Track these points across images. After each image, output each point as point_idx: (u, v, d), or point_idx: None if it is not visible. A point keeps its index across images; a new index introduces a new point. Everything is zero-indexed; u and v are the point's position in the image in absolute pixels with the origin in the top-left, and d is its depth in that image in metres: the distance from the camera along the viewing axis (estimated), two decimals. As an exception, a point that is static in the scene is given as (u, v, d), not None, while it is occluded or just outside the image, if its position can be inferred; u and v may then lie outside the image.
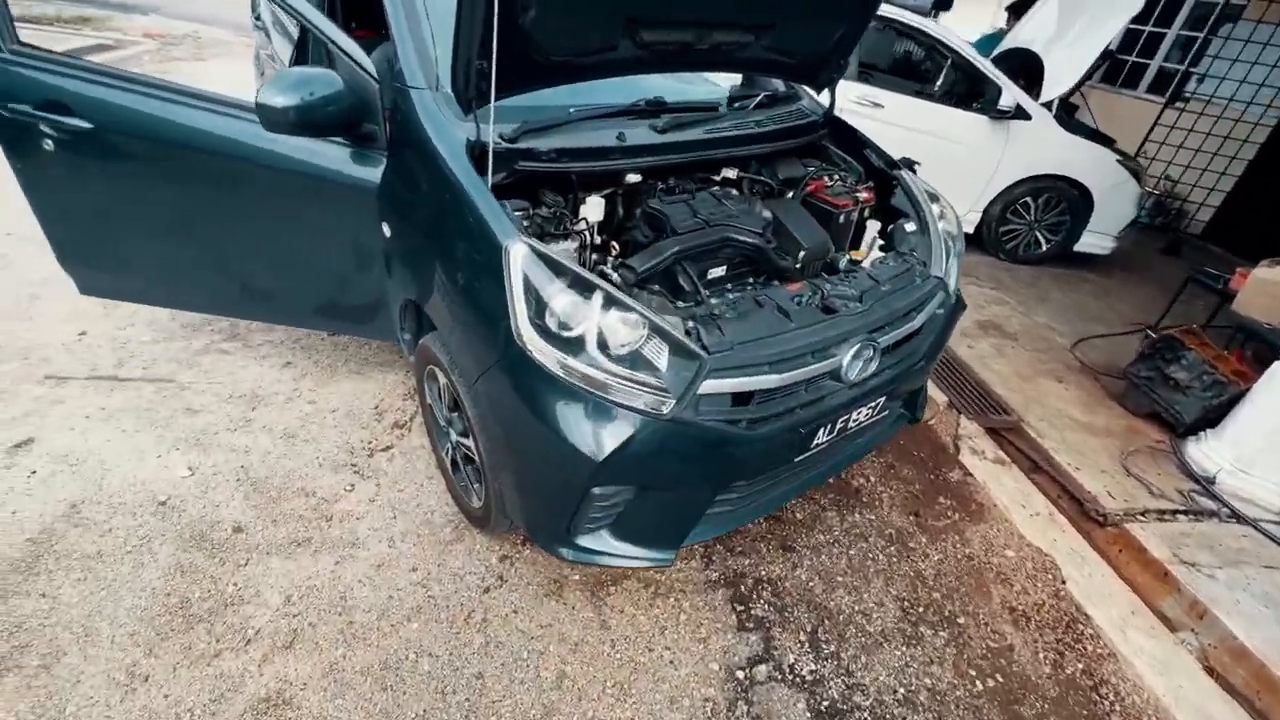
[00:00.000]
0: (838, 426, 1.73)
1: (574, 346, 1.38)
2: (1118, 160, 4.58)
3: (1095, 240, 4.83)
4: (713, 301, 1.76)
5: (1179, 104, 6.00)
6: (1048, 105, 4.51)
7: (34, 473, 2.03)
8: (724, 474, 1.59)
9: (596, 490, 1.45)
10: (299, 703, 1.55)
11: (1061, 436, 3.03)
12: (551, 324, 1.37)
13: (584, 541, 1.57)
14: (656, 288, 1.73)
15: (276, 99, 1.60)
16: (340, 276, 2.14)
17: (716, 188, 2.01)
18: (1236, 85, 5.80)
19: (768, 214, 1.90)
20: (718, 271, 1.79)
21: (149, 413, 2.32)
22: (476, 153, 1.61)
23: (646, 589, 1.96)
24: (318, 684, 1.59)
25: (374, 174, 1.86)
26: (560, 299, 1.37)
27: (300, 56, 2.51)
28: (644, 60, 1.76)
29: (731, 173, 2.08)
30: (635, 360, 1.41)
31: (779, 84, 2.47)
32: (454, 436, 1.93)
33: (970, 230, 4.90)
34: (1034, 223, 4.82)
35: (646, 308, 1.52)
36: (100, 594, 1.72)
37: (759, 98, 2.24)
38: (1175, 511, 2.66)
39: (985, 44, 5.91)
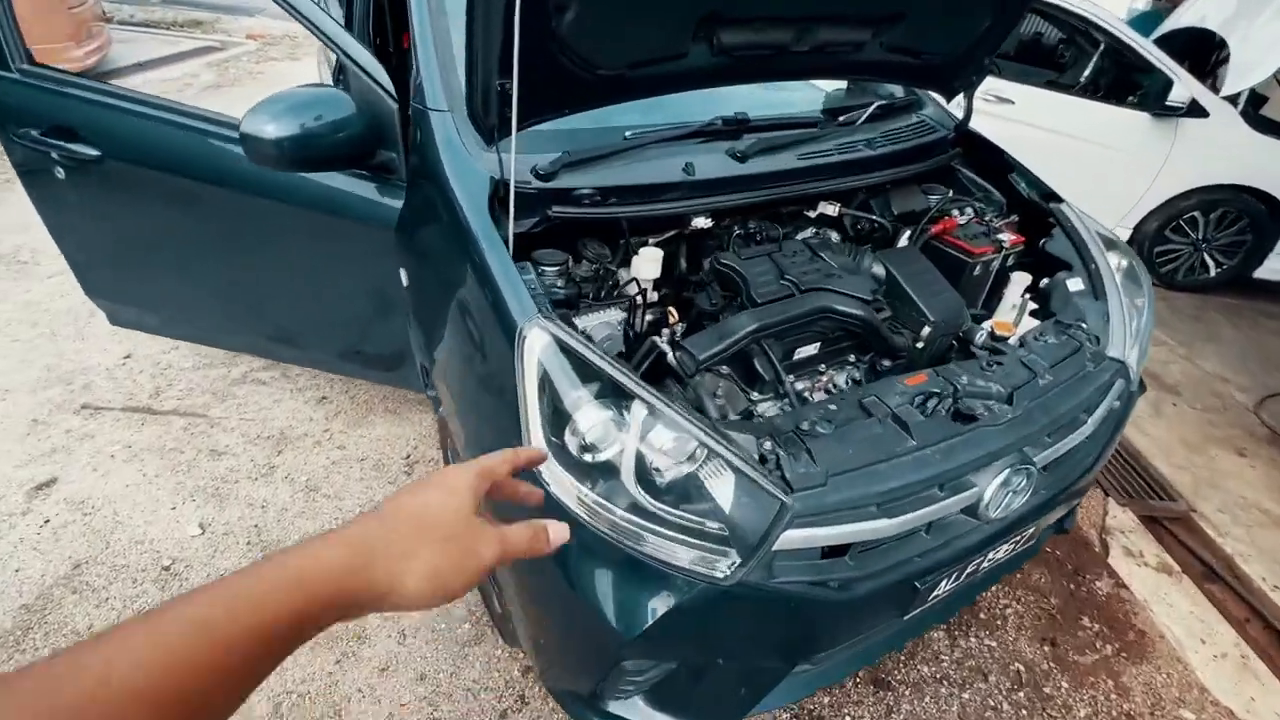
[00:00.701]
0: (967, 571, 1.26)
1: (602, 474, 1.01)
2: (1326, 168, 3.65)
3: (1285, 266, 3.91)
4: (798, 388, 1.33)
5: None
6: (1232, 99, 3.65)
7: (47, 521, 1.91)
8: (804, 646, 1.17)
9: (628, 665, 1.08)
10: None
11: (1249, 536, 2.35)
12: (572, 444, 1.00)
13: (615, 709, 1.20)
14: (725, 370, 1.32)
15: (266, 128, 1.32)
16: (361, 320, 1.88)
17: (811, 233, 1.56)
18: None
19: (879, 269, 1.44)
20: (808, 350, 1.35)
21: (174, 453, 2.17)
22: (501, 194, 1.26)
23: (697, 730, 1.57)
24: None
25: (390, 209, 1.56)
26: (587, 414, 0.99)
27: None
28: (722, 70, 1.34)
29: (831, 208, 1.62)
30: (685, 493, 1.02)
31: (895, 89, 1.97)
32: (474, 524, 1.61)
33: (1115, 249, 4.10)
34: (1201, 242, 3.96)
35: (708, 417, 1.13)
36: (81, 683, 1.54)
37: (871, 108, 1.76)
38: None
39: (1140, 25, 4.97)
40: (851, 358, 1.43)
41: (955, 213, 1.71)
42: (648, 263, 1.36)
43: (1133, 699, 1.77)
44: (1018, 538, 1.31)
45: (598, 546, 1.00)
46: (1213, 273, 4.04)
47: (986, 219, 1.70)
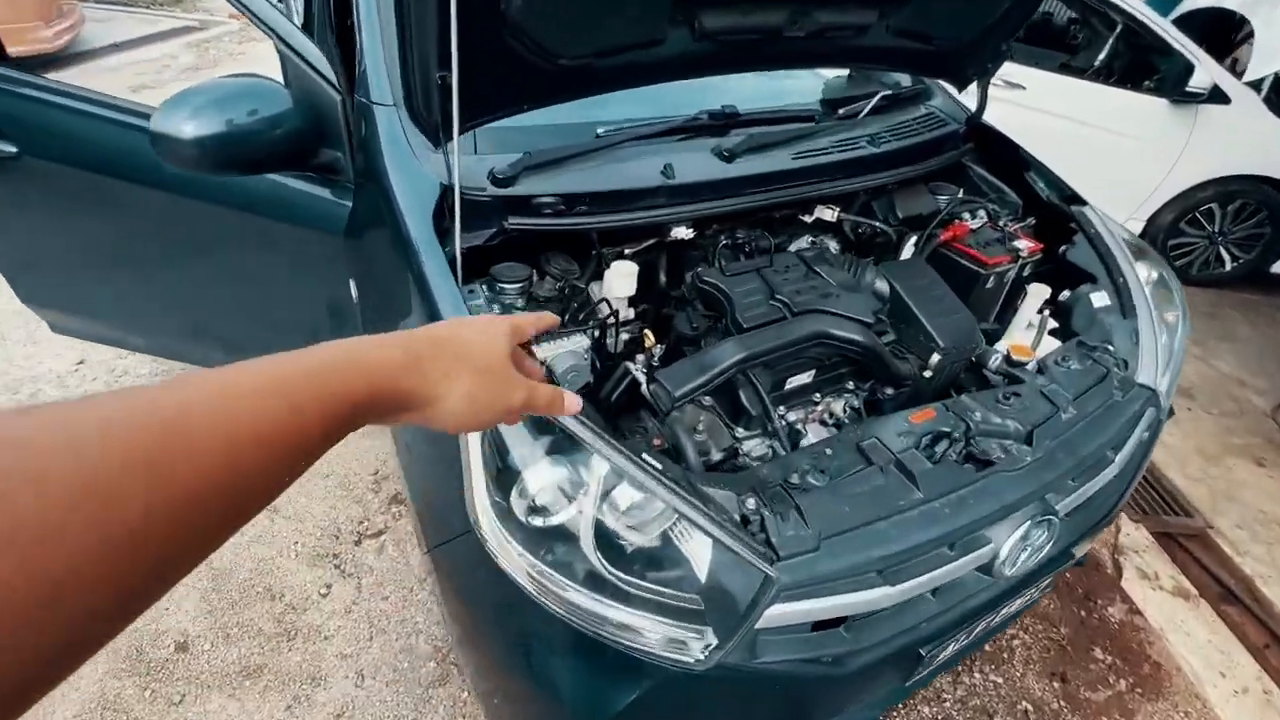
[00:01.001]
0: (976, 630, 1.12)
1: (555, 541, 0.86)
2: (1352, 158, 3.47)
3: (1303, 260, 3.74)
4: (790, 419, 1.19)
5: None
6: (1255, 85, 3.46)
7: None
8: (794, 723, 1.03)
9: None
10: None
11: (1269, 554, 2.22)
12: (520, 507, 0.85)
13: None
14: (708, 401, 1.17)
15: (184, 126, 1.15)
16: (319, 333, 1.72)
17: (806, 243, 1.40)
18: None
19: (883, 285, 1.28)
20: (801, 379, 1.20)
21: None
22: (450, 204, 1.10)
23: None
24: None
25: (340, 211, 1.40)
26: (538, 473, 0.84)
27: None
28: (705, 58, 1.17)
29: (830, 214, 1.46)
30: (654, 557, 0.88)
31: (902, 77, 1.79)
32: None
33: (1127, 243, 3.94)
34: (1218, 235, 3.78)
35: (685, 459, 0.98)
36: (5, 736, 1.41)
37: (874, 99, 1.59)
38: None
39: (1157, 4, 4.74)
40: (850, 385, 1.28)
41: (966, 216, 1.55)
42: (621, 278, 1.20)
43: (1148, 741, 1.65)
44: (1033, 589, 1.18)
45: (553, 627, 0.86)
46: (1228, 267, 3.87)
47: (1001, 223, 1.54)
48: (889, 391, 1.26)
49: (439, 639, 1.67)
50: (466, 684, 1.56)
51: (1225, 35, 4.16)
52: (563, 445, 0.86)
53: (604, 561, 0.85)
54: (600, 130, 1.27)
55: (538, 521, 0.85)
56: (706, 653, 0.85)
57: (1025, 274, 1.50)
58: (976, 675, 1.73)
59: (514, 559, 0.85)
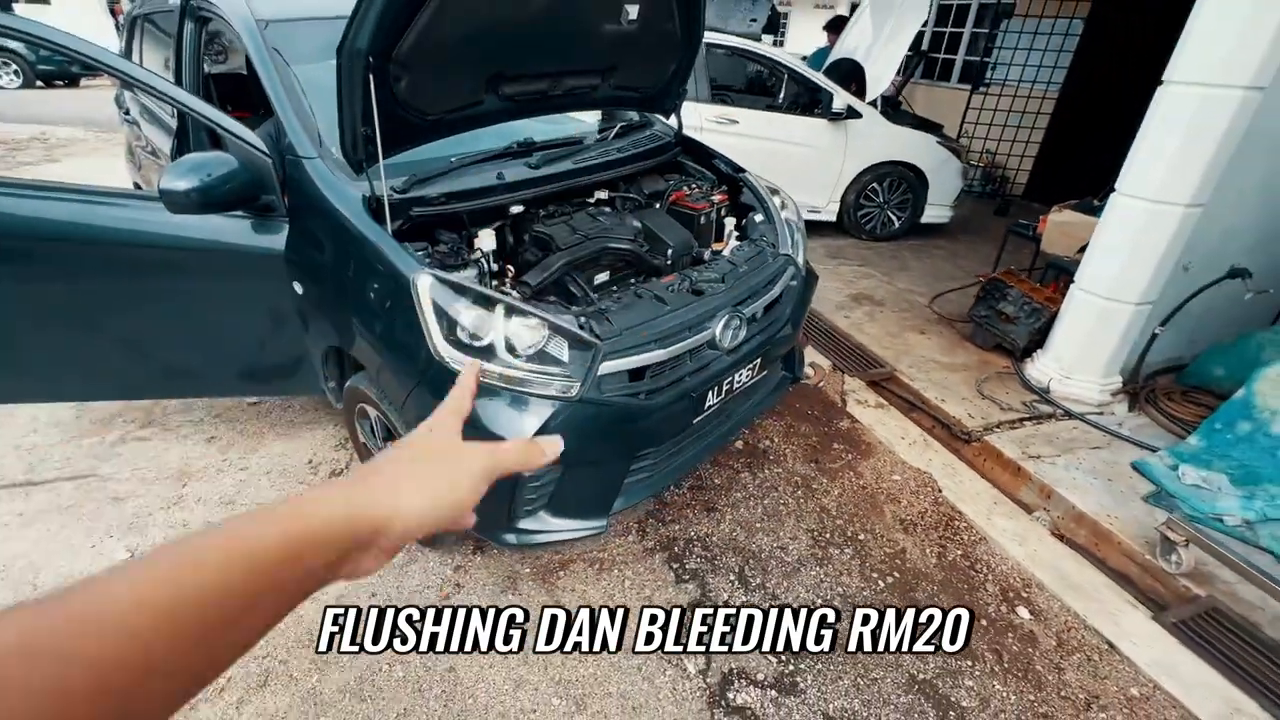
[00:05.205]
0: (724, 388, 2.05)
1: (486, 354, 1.62)
2: (938, 142, 5.36)
3: (936, 211, 5.58)
4: (601, 302, 2.06)
5: (982, 89, 7.03)
6: (874, 104, 5.23)
7: (-40, 586, 2.00)
8: (633, 442, 1.86)
9: (526, 473, 1.68)
10: (283, 729, 1.65)
11: (928, 377, 3.53)
12: (463, 337, 1.61)
13: (525, 524, 1.79)
14: (552, 299, 2.01)
15: (178, 184, 1.76)
16: (258, 340, 2.27)
17: (591, 207, 2.32)
18: (1021, 69, 6.88)
19: (637, 223, 2.23)
20: (602, 277, 2.09)
21: (72, 509, 2.32)
22: (374, 206, 1.83)
23: (591, 568, 2.18)
24: (298, 710, 1.70)
25: (275, 240, 2.03)
26: (467, 314, 1.61)
27: (182, 144, 2.63)
28: (509, 109, 2.06)
29: (603, 194, 2.41)
30: (542, 357, 1.67)
31: (633, 114, 2.85)
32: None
33: (833, 218, 5.54)
34: (884, 204, 5.51)
35: (544, 312, 1.79)
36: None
37: (617, 128, 2.60)
38: (1021, 419, 3.19)
39: (818, 57, 6.71)
40: (631, 280, 2.20)
41: (685, 189, 2.59)
42: (486, 238, 2.01)
43: (864, 478, 2.71)
44: (751, 366, 2.14)
45: (494, 396, 1.61)
46: (897, 225, 5.62)
47: (704, 189, 2.60)
48: (653, 279, 2.19)
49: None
50: (430, 551, 2.16)
51: (859, 75, 6.11)
52: (479, 301, 1.64)
53: (515, 357, 1.63)
54: (453, 158, 2.09)
55: (476, 343, 1.61)
56: (578, 389, 1.66)
57: (723, 214, 2.56)
58: (766, 471, 2.70)
59: (465, 364, 1.60)
